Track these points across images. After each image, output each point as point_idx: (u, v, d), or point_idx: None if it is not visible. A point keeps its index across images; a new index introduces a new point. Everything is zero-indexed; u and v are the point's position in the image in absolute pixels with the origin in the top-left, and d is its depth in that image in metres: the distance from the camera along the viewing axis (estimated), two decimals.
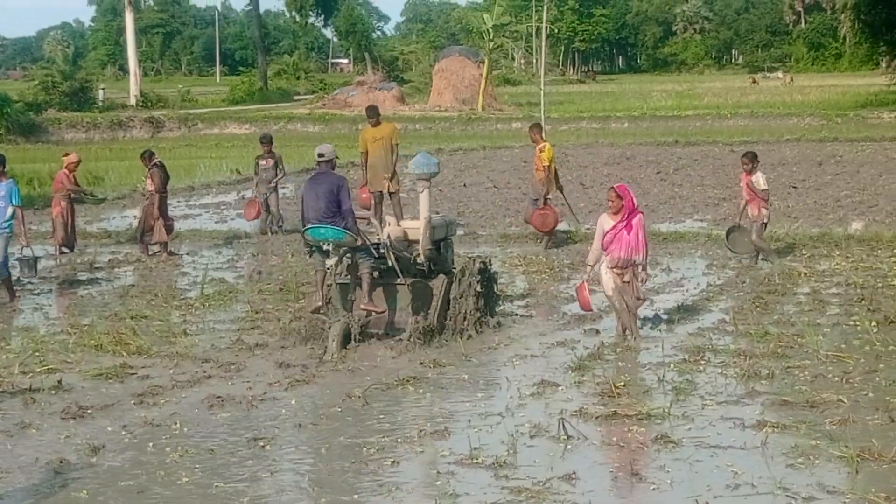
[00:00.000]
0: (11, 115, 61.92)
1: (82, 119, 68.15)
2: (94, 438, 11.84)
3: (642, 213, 16.36)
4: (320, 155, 16.51)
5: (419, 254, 16.37)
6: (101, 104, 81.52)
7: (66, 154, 25.71)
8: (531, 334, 16.46)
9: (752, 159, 21.89)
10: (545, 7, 32.61)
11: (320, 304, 16.16)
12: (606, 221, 16.08)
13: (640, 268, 16.09)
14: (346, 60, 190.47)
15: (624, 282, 16.03)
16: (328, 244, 16.01)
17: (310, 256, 16.69)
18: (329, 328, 15.59)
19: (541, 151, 24.20)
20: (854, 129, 58.28)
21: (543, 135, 25.46)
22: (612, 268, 16.03)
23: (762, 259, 21.73)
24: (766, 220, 21.72)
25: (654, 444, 11.36)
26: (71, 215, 24.15)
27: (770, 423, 11.83)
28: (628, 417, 12.21)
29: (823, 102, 76.34)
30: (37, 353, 15.24)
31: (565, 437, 11.59)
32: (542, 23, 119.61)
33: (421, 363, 14.75)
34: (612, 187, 16.35)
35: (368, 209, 24.70)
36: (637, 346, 15.64)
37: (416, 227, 16.60)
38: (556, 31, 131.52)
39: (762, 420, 11.97)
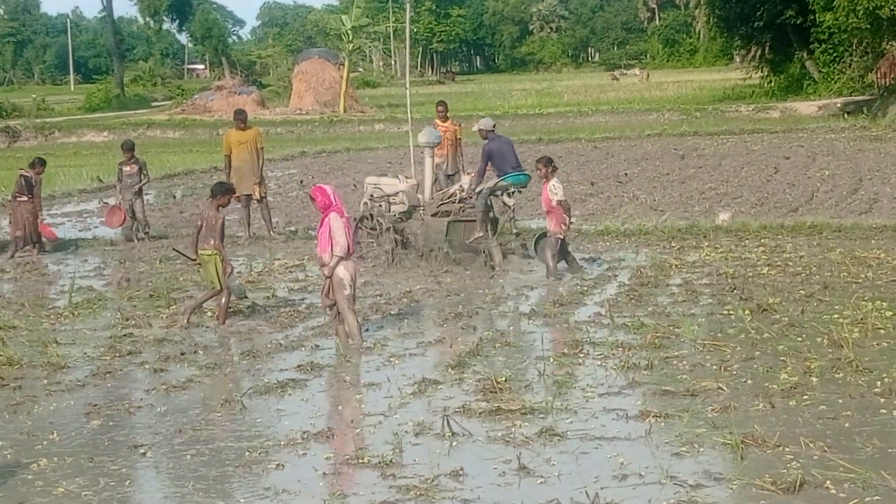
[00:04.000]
0: None
1: None
2: None
3: (337, 209, 15.72)
4: (494, 126, 22.80)
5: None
6: None
7: None
8: (409, 333, 16.39)
9: (545, 164, 20.40)
10: (408, 7, 32.42)
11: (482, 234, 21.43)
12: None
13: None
14: (202, 66, 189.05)
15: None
16: (520, 187, 22.49)
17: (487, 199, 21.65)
18: (488, 248, 21.31)
19: (457, 126, 24.54)
20: (713, 122, 59.12)
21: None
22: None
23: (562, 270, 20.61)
24: (561, 236, 20.19)
25: (539, 438, 11.34)
26: None
27: (653, 412, 11.89)
28: (511, 412, 12.19)
29: (681, 98, 77.43)
30: None
31: (450, 434, 11.55)
32: (400, 24, 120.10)
33: (299, 366, 14.62)
34: (313, 187, 16.57)
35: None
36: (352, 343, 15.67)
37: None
38: (414, 32, 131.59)
39: (645, 410, 12.03)
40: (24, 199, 24.91)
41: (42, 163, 26.13)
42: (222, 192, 17.70)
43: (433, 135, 22.69)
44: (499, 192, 22.08)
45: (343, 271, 15.73)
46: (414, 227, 22.66)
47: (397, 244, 22.10)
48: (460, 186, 22.64)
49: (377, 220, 22.37)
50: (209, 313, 17.95)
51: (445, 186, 24.50)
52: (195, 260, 17.79)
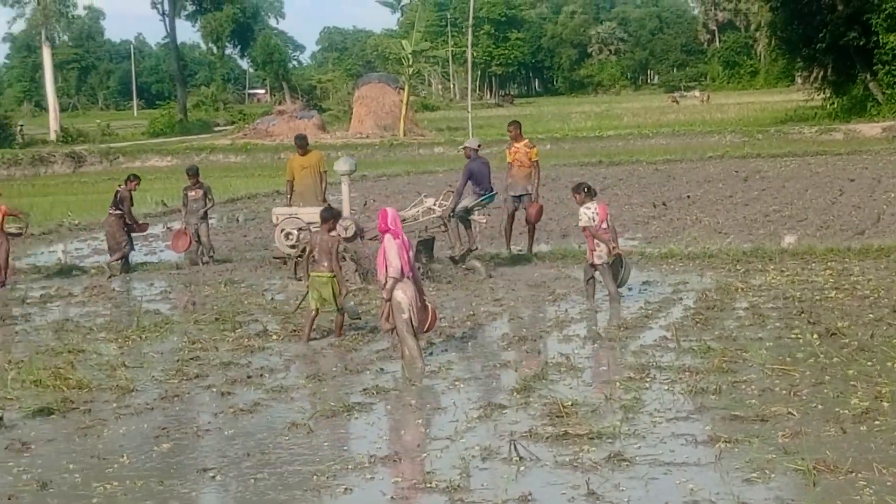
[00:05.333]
0: None
1: (3, 156, 67.29)
2: (41, 474, 11.65)
3: (391, 232, 15.97)
4: (479, 146, 24.27)
5: None
6: (20, 140, 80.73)
7: None
8: (474, 356, 16.38)
9: (575, 191, 20.48)
10: (469, 31, 32.56)
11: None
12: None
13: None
14: (262, 90, 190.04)
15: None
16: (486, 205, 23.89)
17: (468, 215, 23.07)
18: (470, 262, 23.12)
19: (529, 148, 24.35)
20: (776, 144, 58.84)
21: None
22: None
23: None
24: (592, 262, 20.12)
25: (608, 464, 11.29)
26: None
27: (722, 438, 11.80)
28: (579, 437, 12.14)
29: (743, 120, 77.13)
30: None
31: (517, 459, 11.52)
32: (459, 47, 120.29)
33: (364, 389, 14.64)
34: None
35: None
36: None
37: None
38: (473, 55, 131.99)
39: (714, 435, 11.95)
40: (114, 212, 25.72)
41: (133, 178, 26.63)
42: (332, 217, 18.19)
43: (349, 163, 24.51)
44: (476, 210, 23.65)
45: (401, 294, 15.77)
46: (365, 251, 22.98)
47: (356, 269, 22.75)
48: (428, 207, 23.82)
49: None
50: (274, 336, 18.03)
51: (513, 207, 24.55)
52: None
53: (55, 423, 13.71)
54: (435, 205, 23.84)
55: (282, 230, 24.15)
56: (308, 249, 18.25)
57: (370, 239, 22.78)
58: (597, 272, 20.16)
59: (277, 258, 24.99)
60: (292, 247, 23.86)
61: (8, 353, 17.68)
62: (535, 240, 25.42)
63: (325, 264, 17.65)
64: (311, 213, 23.64)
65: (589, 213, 20.01)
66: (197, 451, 12.42)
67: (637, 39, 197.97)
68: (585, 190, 20.32)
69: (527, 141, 25.03)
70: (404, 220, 22.67)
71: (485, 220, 23.19)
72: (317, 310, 17.83)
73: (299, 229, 23.90)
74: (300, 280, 22.07)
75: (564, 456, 11.61)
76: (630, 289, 20.91)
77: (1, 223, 24.15)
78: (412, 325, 15.90)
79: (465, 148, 24.45)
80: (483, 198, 23.60)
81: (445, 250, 24.40)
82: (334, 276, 17.58)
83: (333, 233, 18.05)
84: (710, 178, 41.88)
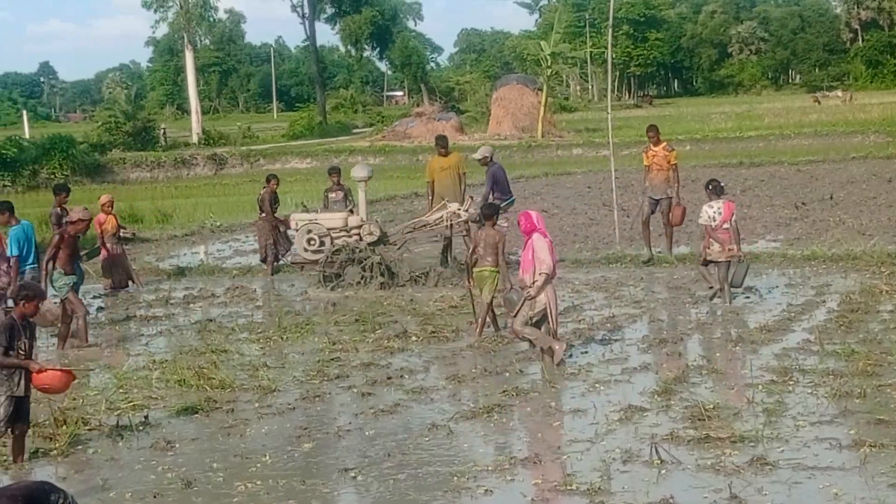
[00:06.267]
0: (77, 156, 62.28)
1: (146, 158, 68.49)
2: (185, 472, 11.84)
3: (539, 231, 16.00)
4: (493, 153, 25.54)
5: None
6: (164, 143, 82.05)
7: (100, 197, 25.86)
8: (614, 359, 16.31)
9: (707, 188, 20.58)
10: (609, 32, 32.34)
11: None
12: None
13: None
14: (400, 93, 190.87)
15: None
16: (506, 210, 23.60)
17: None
18: None
19: (668, 151, 24.18)
20: None
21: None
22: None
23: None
24: (706, 257, 20.20)
25: (750, 467, 11.19)
26: (122, 255, 24.50)
27: (868, 442, 11.63)
28: (721, 440, 12.04)
29: (887, 120, 75.53)
30: (121, 390, 15.25)
31: (658, 462, 11.47)
32: (597, 48, 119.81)
33: (503, 391, 14.65)
34: (520, 213, 16.69)
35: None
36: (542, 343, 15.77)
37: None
38: (612, 56, 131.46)
39: (859, 439, 11.78)
40: (260, 214, 26.41)
41: (272, 178, 27.17)
42: (495, 212, 18.34)
43: (366, 170, 24.97)
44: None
45: (542, 295, 15.75)
46: (390, 255, 23.38)
47: (384, 273, 22.98)
48: (453, 212, 23.70)
49: (358, 252, 23.18)
50: (413, 337, 18.10)
51: (650, 210, 24.38)
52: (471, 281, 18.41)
53: (199, 423, 13.93)
54: (460, 210, 23.90)
55: (302, 237, 24.03)
56: (472, 246, 18.45)
57: (392, 243, 23.67)
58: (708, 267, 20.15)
59: (296, 264, 24.87)
60: (315, 252, 23.83)
61: (152, 353, 17.98)
62: (673, 242, 25.23)
63: (490, 259, 17.80)
64: (332, 219, 24.06)
65: (711, 211, 20.03)
66: (338, 451, 12.53)
67: (778, 39, 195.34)
68: (710, 187, 20.35)
69: (665, 144, 24.83)
70: (425, 224, 23.83)
71: (507, 225, 23.07)
72: (490, 301, 17.98)
73: (320, 236, 23.90)
74: (330, 286, 22.78)
75: (706, 459, 11.53)
76: (747, 296, 20.67)
77: (117, 230, 24.45)
78: (536, 326, 15.86)
79: (484, 157, 25.17)
80: (505, 202, 24.22)
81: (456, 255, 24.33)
82: (497, 271, 17.64)
83: (497, 228, 18.13)
84: (853, 179, 41.20)
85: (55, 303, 18.29)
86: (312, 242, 23.88)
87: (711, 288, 20.26)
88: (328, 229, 23.86)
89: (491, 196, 24.28)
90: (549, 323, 16.01)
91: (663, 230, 25.08)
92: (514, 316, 16.06)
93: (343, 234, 23.72)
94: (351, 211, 25.06)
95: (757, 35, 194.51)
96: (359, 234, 23.63)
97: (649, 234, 24.85)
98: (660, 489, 10.71)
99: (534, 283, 15.76)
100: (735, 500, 10.38)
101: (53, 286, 21.86)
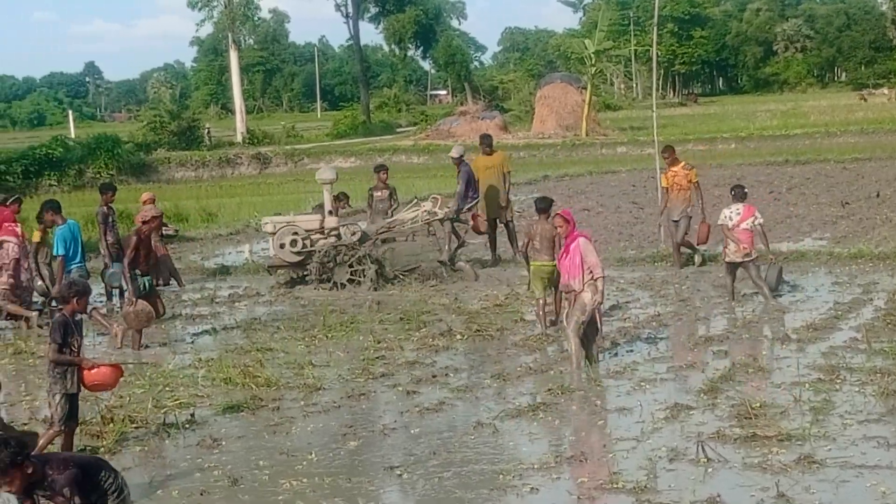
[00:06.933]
0: (122, 155, 62.57)
1: (191, 157, 68.70)
2: (231, 470, 11.88)
3: (585, 235, 16.04)
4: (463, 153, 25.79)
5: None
6: (208, 142, 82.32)
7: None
8: (659, 357, 16.27)
9: (731, 192, 20.99)
10: (654, 30, 32.19)
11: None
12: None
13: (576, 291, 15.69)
14: (444, 92, 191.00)
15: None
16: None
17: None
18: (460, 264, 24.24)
19: (687, 170, 23.92)
20: None
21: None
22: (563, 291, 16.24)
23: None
24: (726, 259, 20.35)
25: (797, 466, 11.14)
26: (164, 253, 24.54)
27: None
28: (767, 439, 11.99)
29: None
30: (167, 388, 15.32)
31: (705, 460, 11.43)
32: (642, 46, 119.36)
33: (549, 389, 14.62)
34: (558, 213, 16.32)
35: (482, 233, 25.86)
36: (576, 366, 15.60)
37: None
38: (657, 53, 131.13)
39: None
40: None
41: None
42: (549, 206, 18.33)
43: (331, 172, 25.04)
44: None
45: (589, 297, 15.68)
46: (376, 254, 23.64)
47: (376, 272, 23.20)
48: (427, 210, 24.35)
49: (350, 251, 23.27)
50: (458, 336, 18.09)
51: (672, 232, 24.12)
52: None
53: (244, 421, 13.97)
54: (437, 208, 24.34)
55: (281, 239, 23.63)
56: (526, 240, 18.54)
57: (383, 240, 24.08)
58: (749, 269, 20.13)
59: (274, 267, 24.43)
60: (296, 254, 23.63)
61: (198, 351, 18.04)
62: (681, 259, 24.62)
63: (547, 253, 17.86)
64: (309, 221, 23.91)
65: (728, 212, 20.24)
66: (383, 450, 12.55)
67: (824, 36, 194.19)
68: (733, 192, 20.68)
69: (683, 163, 24.43)
70: (402, 221, 24.27)
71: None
72: (544, 299, 18.02)
73: (304, 237, 23.58)
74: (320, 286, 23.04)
75: (753, 458, 11.49)
76: (792, 295, 20.60)
77: (159, 228, 24.45)
78: (582, 329, 15.78)
79: (459, 157, 25.81)
80: (475, 201, 25.39)
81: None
82: (555, 265, 17.58)
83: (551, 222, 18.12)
84: None
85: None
86: (296, 244, 23.50)
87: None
88: (306, 231, 23.70)
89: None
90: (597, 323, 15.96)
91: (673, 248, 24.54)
92: (568, 323, 15.93)
93: (319, 235, 23.67)
94: (394, 209, 25.28)
95: (802, 33, 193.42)
96: (337, 235, 23.60)
97: (680, 253, 24.30)
98: (706, 488, 10.68)
99: (586, 285, 15.57)
100: (782, 499, 10.33)
101: (103, 280, 22.16)
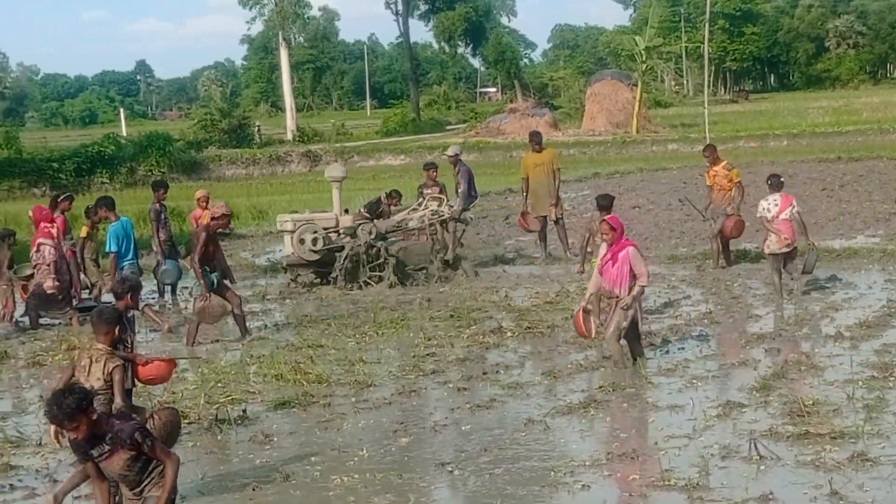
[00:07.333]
0: (173, 153, 62.92)
1: (241, 155, 68.94)
2: (283, 466, 11.92)
3: (634, 245, 15.89)
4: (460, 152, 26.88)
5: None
6: (259, 140, 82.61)
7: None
8: (711, 354, 16.21)
9: (767, 182, 21.04)
10: (706, 27, 32.13)
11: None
12: (602, 250, 15.83)
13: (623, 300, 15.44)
14: (493, 89, 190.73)
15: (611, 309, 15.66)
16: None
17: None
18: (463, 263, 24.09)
19: (728, 170, 23.69)
20: None
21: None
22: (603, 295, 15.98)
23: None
24: (767, 251, 20.32)
25: (851, 464, 11.07)
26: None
27: None
28: (821, 436, 11.93)
29: None
30: (219, 384, 15.37)
31: (758, 458, 11.38)
32: (692, 43, 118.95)
33: (600, 387, 14.60)
34: (605, 219, 16.07)
35: (532, 231, 26.20)
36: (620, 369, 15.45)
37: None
38: (708, 50, 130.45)
39: None
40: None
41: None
42: (610, 203, 18.11)
43: (340, 169, 26.22)
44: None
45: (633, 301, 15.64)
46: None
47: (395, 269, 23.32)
48: (432, 210, 24.34)
49: (377, 250, 23.33)
50: (509, 333, 18.09)
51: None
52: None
53: (296, 417, 14.02)
54: (442, 207, 24.42)
55: (302, 236, 23.26)
56: (587, 235, 18.83)
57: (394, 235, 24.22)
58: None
59: (292, 266, 23.96)
60: (316, 252, 23.25)
61: (250, 347, 18.09)
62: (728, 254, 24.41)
63: None
64: (326, 219, 23.79)
65: (766, 204, 20.27)
66: (434, 446, 12.57)
67: (876, 33, 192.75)
68: (769, 182, 20.72)
69: (725, 163, 24.16)
70: (409, 222, 24.30)
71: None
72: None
73: (326, 235, 23.43)
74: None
75: (806, 455, 11.43)
76: (810, 285, 20.50)
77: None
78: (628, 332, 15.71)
79: (456, 156, 27.04)
80: (476, 200, 26.91)
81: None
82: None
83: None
84: None
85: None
86: (317, 242, 23.18)
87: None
88: (324, 229, 23.56)
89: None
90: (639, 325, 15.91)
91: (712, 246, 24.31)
92: (608, 328, 15.82)
93: (345, 235, 23.57)
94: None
95: (854, 29, 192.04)
96: (352, 234, 23.42)
97: (728, 250, 24.11)
98: (759, 485, 10.63)
99: (629, 293, 15.50)
100: (835, 497, 10.28)
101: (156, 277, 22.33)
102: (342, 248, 23.14)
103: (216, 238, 18.89)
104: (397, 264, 23.30)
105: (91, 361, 10.61)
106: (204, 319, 18.38)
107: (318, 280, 23.50)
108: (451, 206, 24.58)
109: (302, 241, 23.16)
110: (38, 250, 20.60)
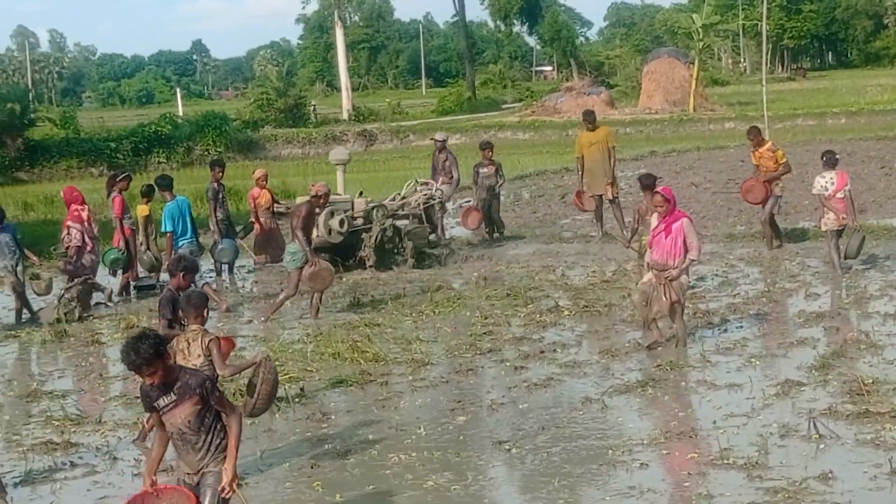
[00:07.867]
0: (230, 133, 63.07)
1: (297, 135, 69.00)
2: (341, 443, 11.96)
3: (688, 217, 15.81)
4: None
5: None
6: (314, 120, 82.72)
7: (255, 171, 26.04)
8: (770, 333, 16.12)
9: (822, 158, 20.96)
10: (764, 3, 31.90)
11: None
12: (654, 221, 15.70)
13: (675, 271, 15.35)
14: (549, 68, 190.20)
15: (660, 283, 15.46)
16: None
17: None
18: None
19: (773, 151, 23.46)
20: None
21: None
22: (651, 268, 15.68)
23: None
24: (824, 227, 20.34)
25: None
26: (276, 230, 24.65)
27: None
28: (881, 415, 11.85)
29: None
30: (277, 363, 15.38)
31: (817, 437, 11.33)
32: (750, 20, 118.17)
33: (658, 365, 14.56)
34: (658, 191, 15.98)
35: (587, 210, 26.22)
36: (679, 346, 15.44)
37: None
38: (766, 28, 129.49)
39: None
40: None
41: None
42: (653, 182, 18.14)
43: (344, 153, 26.65)
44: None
45: (685, 277, 15.57)
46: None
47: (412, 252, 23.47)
48: (427, 194, 24.79)
49: (394, 228, 23.42)
50: (566, 312, 18.06)
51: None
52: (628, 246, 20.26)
53: (353, 395, 14.07)
54: (435, 190, 24.92)
55: (328, 219, 22.41)
56: (636, 217, 19.02)
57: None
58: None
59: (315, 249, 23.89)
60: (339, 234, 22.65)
61: (307, 326, 18.14)
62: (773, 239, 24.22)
63: None
64: (343, 201, 23.40)
65: (823, 181, 20.06)
66: (491, 425, 12.58)
67: None
68: (824, 158, 20.55)
69: (770, 144, 23.93)
70: (408, 204, 24.34)
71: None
72: None
73: (352, 217, 23.03)
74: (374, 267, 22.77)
75: (866, 434, 11.37)
76: (868, 263, 20.38)
77: (271, 205, 24.54)
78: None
79: (444, 140, 27.71)
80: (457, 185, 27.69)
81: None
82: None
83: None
84: None
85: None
86: (343, 224, 22.53)
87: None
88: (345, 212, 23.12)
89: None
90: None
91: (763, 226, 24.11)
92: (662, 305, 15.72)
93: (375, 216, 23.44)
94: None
95: None
96: (365, 217, 23.29)
97: (777, 227, 23.94)
98: (818, 464, 10.58)
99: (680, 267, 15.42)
100: (895, 476, 10.20)
101: (213, 256, 22.43)
102: (364, 230, 23.11)
103: (314, 215, 19.47)
104: (415, 241, 23.49)
105: (188, 343, 10.78)
106: (316, 285, 18.55)
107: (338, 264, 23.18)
108: (441, 192, 25.38)
109: (329, 224, 22.62)
110: (68, 233, 20.63)
